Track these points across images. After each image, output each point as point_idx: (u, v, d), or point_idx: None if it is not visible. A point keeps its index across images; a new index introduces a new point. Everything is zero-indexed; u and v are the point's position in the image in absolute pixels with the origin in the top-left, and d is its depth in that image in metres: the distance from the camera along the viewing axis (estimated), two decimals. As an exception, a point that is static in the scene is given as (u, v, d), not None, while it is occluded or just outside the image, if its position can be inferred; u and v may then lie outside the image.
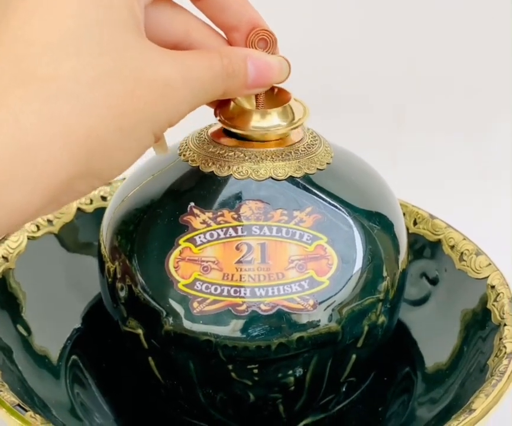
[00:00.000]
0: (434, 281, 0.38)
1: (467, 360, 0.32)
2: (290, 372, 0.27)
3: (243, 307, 0.26)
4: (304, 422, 0.30)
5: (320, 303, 0.27)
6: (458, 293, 0.36)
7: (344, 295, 0.27)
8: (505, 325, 0.31)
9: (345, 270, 0.27)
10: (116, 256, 0.29)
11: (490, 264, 0.35)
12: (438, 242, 0.38)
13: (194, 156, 0.30)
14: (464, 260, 0.36)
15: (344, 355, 0.28)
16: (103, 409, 0.32)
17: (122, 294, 0.28)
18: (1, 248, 0.34)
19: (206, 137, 0.31)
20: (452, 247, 0.37)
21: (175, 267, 0.27)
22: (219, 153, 0.29)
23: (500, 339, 0.31)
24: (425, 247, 0.39)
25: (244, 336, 0.26)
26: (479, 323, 0.33)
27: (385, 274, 0.29)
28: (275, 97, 0.30)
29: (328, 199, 0.29)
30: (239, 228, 0.27)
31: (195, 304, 0.26)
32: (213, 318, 0.26)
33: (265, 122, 0.29)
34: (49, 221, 0.37)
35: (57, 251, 0.36)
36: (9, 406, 0.25)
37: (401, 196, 0.40)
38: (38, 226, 0.36)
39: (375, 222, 0.29)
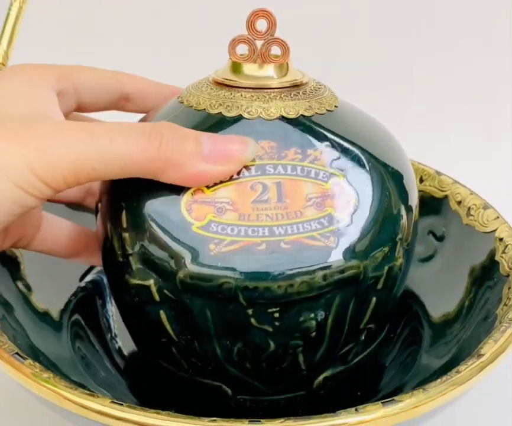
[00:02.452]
0: (441, 238, 0.37)
1: (475, 311, 0.31)
2: (312, 315, 0.26)
3: (263, 246, 0.25)
4: (323, 375, 0.29)
5: (341, 240, 0.26)
6: (465, 248, 0.35)
7: (365, 232, 0.26)
8: (514, 275, 0.30)
9: (364, 207, 0.27)
10: (121, 205, 0.27)
11: (498, 217, 0.35)
12: (445, 199, 0.38)
13: (198, 100, 0.28)
14: (471, 215, 0.36)
15: (365, 297, 0.27)
16: (106, 365, 0.32)
17: (131, 244, 0.27)
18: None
19: (208, 83, 0.29)
20: (459, 203, 0.37)
21: (187, 210, 0.25)
22: (224, 95, 0.28)
23: (509, 288, 0.30)
24: (432, 204, 0.38)
25: (265, 276, 0.25)
26: (487, 276, 0.32)
27: (402, 213, 0.28)
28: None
29: (340, 139, 0.28)
30: (253, 168, 0.26)
31: (211, 246, 0.25)
32: (232, 259, 0.25)
33: (263, 72, 0.29)
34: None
35: (56, 208, 0.35)
36: (7, 355, 0.25)
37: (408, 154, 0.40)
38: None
39: (387, 165, 0.29)
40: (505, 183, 0.52)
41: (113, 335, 0.35)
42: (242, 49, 0.29)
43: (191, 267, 0.25)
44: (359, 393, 0.32)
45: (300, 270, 0.25)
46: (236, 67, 0.29)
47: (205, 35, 0.57)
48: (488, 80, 0.59)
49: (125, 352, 0.34)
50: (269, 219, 0.25)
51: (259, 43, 0.28)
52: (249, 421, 0.22)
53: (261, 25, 0.28)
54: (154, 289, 0.26)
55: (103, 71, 0.32)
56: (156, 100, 0.33)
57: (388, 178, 0.28)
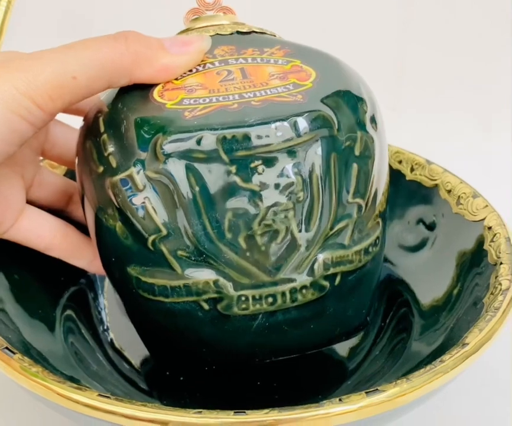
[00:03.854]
0: (431, 227, 0.38)
1: (462, 299, 0.32)
2: (296, 170, 0.26)
3: (235, 106, 0.26)
4: (323, 256, 0.27)
5: (309, 96, 0.27)
6: (455, 237, 0.35)
7: (329, 94, 0.27)
8: (501, 263, 0.31)
9: (325, 78, 0.28)
10: (97, 116, 0.28)
11: (487, 205, 0.35)
12: (435, 187, 0.38)
13: None
14: (461, 204, 0.36)
15: (345, 159, 0.27)
16: (99, 359, 0.32)
17: (109, 142, 0.27)
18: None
19: None
20: (449, 191, 0.37)
21: (160, 96, 0.27)
22: (185, 31, 0.32)
23: (496, 277, 0.30)
24: (422, 193, 0.38)
25: (242, 124, 0.25)
26: (475, 264, 0.33)
27: (361, 90, 0.29)
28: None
29: (293, 45, 0.31)
30: (216, 62, 0.29)
31: (186, 113, 0.26)
32: (208, 117, 0.26)
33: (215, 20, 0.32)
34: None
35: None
36: (-4, 350, 0.25)
37: (400, 145, 0.40)
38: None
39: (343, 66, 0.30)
40: (496, 173, 0.52)
41: (105, 327, 0.35)
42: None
43: (170, 137, 0.26)
44: (349, 382, 0.33)
45: (274, 116, 0.26)
46: (193, 21, 0.32)
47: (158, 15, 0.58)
48: (482, 70, 0.59)
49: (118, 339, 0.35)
50: (237, 89, 0.27)
51: (210, 13, 0.32)
52: (234, 412, 0.23)
53: None
54: (136, 176, 0.26)
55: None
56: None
57: (343, 68, 0.30)
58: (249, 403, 0.25)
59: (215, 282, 0.26)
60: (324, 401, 0.23)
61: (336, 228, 0.27)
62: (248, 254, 0.26)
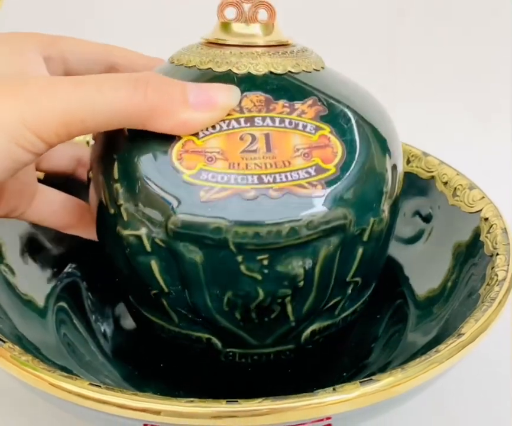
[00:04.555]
0: (427, 219, 0.37)
1: (458, 290, 0.31)
2: (300, 263, 0.26)
3: (252, 193, 0.25)
4: (311, 328, 0.29)
5: (328, 188, 0.26)
6: (451, 229, 0.35)
7: (351, 182, 0.27)
8: (497, 254, 0.31)
9: (350, 158, 0.27)
10: (113, 157, 0.27)
11: (483, 197, 0.35)
12: (431, 179, 0.38)
13: (189, 59, 0.29)
14: (457, 195, 0.36)
15: (352, 247, 0.28)
16: (92, 350, 0.32)
17: (123, 195, 0.27)
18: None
19: (198, 45, 0.30)
20: (445, 183, 0.37)
21: (178, 160, 0.26)
22: (214, 53, 0.29)
23: (492, 268, 0.30)
24: (418, 185, 0.38)
25: (254, 220, 0.25)
26: (471, 255, 0.32)
27: (387, 167, 0.28)
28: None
29: (326, 95, 0.28)
30: (242, 120, 0.27)
31: (201, 193, 0.25)
32: (221, 205, 0.25)
33: (251, 29, 0.30)
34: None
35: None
36: (-15, 340, 0.25)
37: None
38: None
39: (373, 123, 0.29)
40: (493, 164, 0.52)
41: (98, 317, 0.35)
42: (231, 13, 0.29)
43: (182, 214, 0.25)
44: (344, 374, 0.32)
45: (288, 216, 0.25)
46: (225, 27, 0.30)
47: (191, 4, 0.57)
48: (478, 60, 0.59)
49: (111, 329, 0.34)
50: (258, 167, 0.26)
51: (246, 7, 0.29)
52: (227, 401, 0.22)
53: None
54: (145, 239, 0.27)
55: (91, 42, 0.32)
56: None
57: (373, 134, 0.28)
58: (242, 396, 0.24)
59: (208, 339, 0.29)
60: (318, 390, 0.23)
61: (329, 305, 0.29)
62: (241, 324, 0.28)
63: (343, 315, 0.30)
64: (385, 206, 0.28)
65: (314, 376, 0.31)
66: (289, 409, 0.22)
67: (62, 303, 0.34)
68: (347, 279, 0.28)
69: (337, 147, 0.27)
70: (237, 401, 0.22)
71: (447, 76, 0.59)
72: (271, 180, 0.26)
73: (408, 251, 0.37)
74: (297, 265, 0.26)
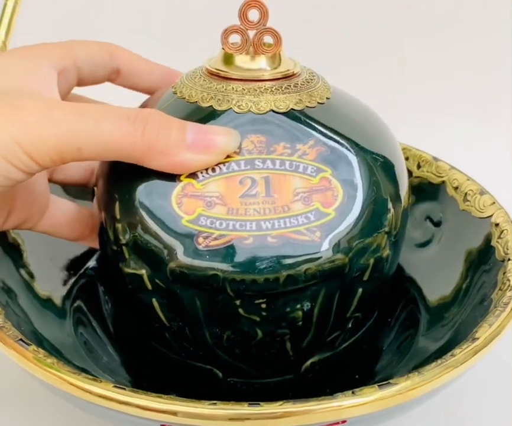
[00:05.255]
0: (438, 223, 0.38)
1: (471, 294, 0.32)
2: (298, 306, 0.27)
3: (250, 240, 0.26)
4: (311, 361, 0.30)
5: (327, 234, 0.26)
6: (462, 234, 0.36)
7: (351, 226, 0.27)
8: (509, 259, 0.31)
9: (350, 201, 0.27)
10: (114, 197, 0.28)
11: (494, 202, 0.35)
12: (442, 184, 0.38)
13: (191, 92, 0.29)
14: (468, 201, 0.36)
15: (351, 288, 0.28)
16: (108, 350, 0.32)
17: (124, 235, 0.27)
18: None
19: (201, 74, 0.30)
20: (456, 188, 0.37)
21: (178, 204, 0.26)
22: (216, 88, 0.29)
23: (504, 273, 0.30)
24: (429, 190, 0.39)
25: (252, 269, 0.25)
26: (483, 260, 0.33)
27: (389, 206, 0.28)
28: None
29: (330, 133, 0.28)
30: (242, 162, 0.27)
31: (200, 239, 0.26)
32: (220, 252, 0.26)
33: (255, 64, 0.29)
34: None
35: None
36: (12, 341, 0.25)
37: (405, 140, 0.40)
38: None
39: (377, 157, 0.29)
40: (502, 168, 0.52)
41: (114, 319, 0.35)
42: (236, 38, 0.29)
43: (181, 259, 0.26)
44: (357, 376, 0.33)
45: (286, 264, 0.26)
46: (228, 58, 0.29)
47: (200, 23, 0.57)
48: (485, 66, 0.60)
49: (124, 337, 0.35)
50: (256, 213, 0.26)
51: (251, 33, 0.29)
52: (249, 404, 0.23)
53: (253, 15, 0.28)
54: (146, 278, 0.27)
55: (98, 44, 0.32)
56: (147, 78, 0.33)
57: (377, 169, 0.28)
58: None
59: (209, 370, 0.29)
60: (338, 393, 0.23)
61: (328, 339, 0.29)
62: (241, 357, 0.28)
63: (344, 345, 0.30)
64: (387, 244, 0.28)
65: (330, 379, 0.31)
66: (309, 411, 0.23)
67: (79, 303, 0.34)
68: (348, 315, 0.29)
69: (338, 189, 0.27)
70: (259, 404, 0.23)
71: (456, 80, 0.59)
72: (270, 226, 0.26)
73: (419, 255, 0.37)
74: (295, 308, 0.27)
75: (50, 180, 0.33)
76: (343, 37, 0.60)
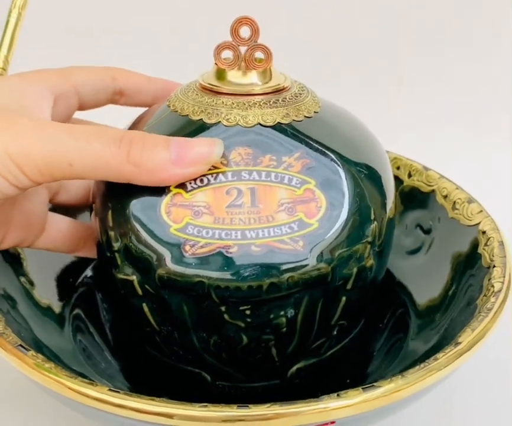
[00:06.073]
0: (428, 231, 0.39)
1: (457, 300, 0.33)
2: (282, 313, 0.28)
3: (235, 249, 0.27)
4: (296, 366, 0.31)
5: (310, 243, 0.27)
6: (450, 241, 0.36)
7: (333, 236, 0.28)
8: (494, 266, 0.32)
9: (333, 212, 0.28)
10: (108, 206, 0.29)
11: (481, 210, 0.36)
12: (432, 193, 0.39)
13: (183, 106, 0.30)
14: (457, 209, 0.37)
15: (335, 296, 0.29)
16: (106, 356, 0.33)
17: (116, 243, 0.29)
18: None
19: (194, 88, 0.31)
20: (445, 197, 0.38)
21: (167, 213, 0.27)
22: (207, 102, 0.30)
23: (489, 279, 0.31)
24: (419, 198, 0.40)
25: (236, 276, 0.27)
26: (469, 266, 0.34)
27: (372, 217, 0.29)
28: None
29: (315, 145, 0.29)
30: (229, 174, 0.28)
31: (187, 247, 0.27)
32: (205, 260, 0.27)
33: (246, 79, 0.30)
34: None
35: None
36: (11, 347, 0.26)
37: (399, 150, 0.41)
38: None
39: (362, 169, 0.30)
40: (491, 178, 0.54)
41: (112, 326, 0.36)
42: (228, 54, 0.30)
43: (169, 266, 0.27)
44: (348, 381, 0.34)
45: (269, 272, 0.27)
46: (220, 73, 0.31)
47: (194, 40, 0.59)
48: (478, 79, 0.61)
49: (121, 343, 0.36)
50: (242, 222, 0.27)
51: (243, 49, 0.30)
52: (238, 406, 0.24)
53: (245, 32, 0.29)
54: (136, 284, 0.28)
55: (98, 68, 0.33)
56: (148, 93, 0.34)
57: (362, 181, 0.29)
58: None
59: (198, 374, 0.31)
60: (324, 396, 0.24)
61: (313, 346, 0.30)
62: (228, 362, 0.30)
63: (330, 352, 0.31)
64: (371, 254, 0.29)
65: (316, 384, 0.32)
66: (296, 413, 0.24)
67: (78, 311, 0.35)
68: (332, 323, 0.30)
69: (322, 201, 0.28)
70: (247, 406, 0.24)
71: (448, 93, 0.61)
72: (254, 235, 0.27)
73: (409, 262, 0.38)
74: (279, 315, 0.28)
75: (53, 202, 0.34)
76: (343, 48, 0.61)
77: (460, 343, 0.27)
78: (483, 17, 0.60)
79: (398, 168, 0.41)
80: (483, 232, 0.34)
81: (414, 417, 0.37)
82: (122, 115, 0.35)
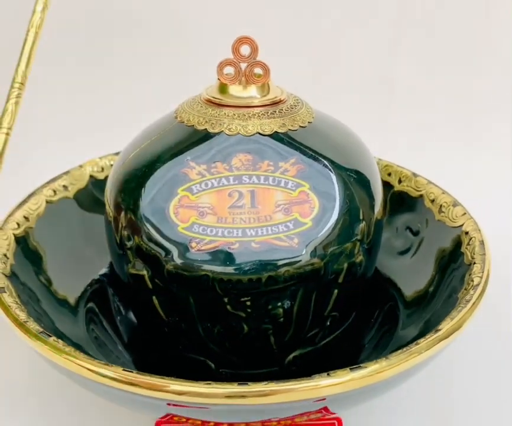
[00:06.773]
0: (416, 233, 0.41)
1: (440, 293, 0.35)
2: (279, 304, 0.31)
3: (236, 246, 0.30)
4: (293, 354, 0.34)
5: (304, 241, 0.30)
6: (436, 241, 0.39)
7: (326, 234, 0.31)
8: (474, 263, 0.35)
9: (326, 212, 0.31)
10: (121, 208, 0.32)
11: (465, 213, 0.39)
12: (420, 197, 0.42)
13: (189, 117, 0.33)
14: (443, 212, 0.40)
15: (327, 289, 0.32)
16: (116, 346, 0.36)
17: (128, 241, 0.32)
18: (22, 210, 0.38)
19: (199, 101, 0.35)
20: (432, 201, 0.41)
21: (175, 213, 0.30)
22: (211, 113, 0.33)
23: (469, 275, 0.34)
24: (409, 203, 0.42)
25: (237, 270, 0.30)
26: (453, 262, 0.36)
27: (361, 217, 0.32)
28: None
29: (309, 152, 0.32)
30: (231, 178, 0.31)
31: (193, 244, 0.30)
32: (210, 256, 0.30)
33: (246, 92, 0.34)
34: (65, 187, 0.41)
35: (73, 211, 0.40)
36: (35, 333, 0.29)
37: (390, 158, 0.44)
38: (54, 191, 0.41)
39: (352, 174, 0.33)
40: (474, 182, 0.57)
41: (122, 318, 0.39)
42: (230, 70, 0.34)
43: (177, 261, 0.30)
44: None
45: (267, 266, 0.30)
46: (223, 87, 0.34)
47: (199, 57, 0.61)
48: (470, 88, 0.63)
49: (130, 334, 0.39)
50: (242, 222, 0.30)
51: (243, 65, 0.33)
52: (238, 383, 0.27)
53: (245, 50, 0.33)
54: (147, 278, 0.32)
55: None
56: None
57: (351, 184, 0.32)
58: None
59: (202, 361, 0.33)
60: (315, 375, 0.27)
61: (308, 335, 0.33)
62: (230, 350, 0.32)
63: (324, 341, 0.34)
64: (360, 251, 0.32)
65: (311, 371, 0.35)
66: (290, 390, 0.26)
67: (92, 305, 0.38)
68: (325, 314, 0.33)
69: (315, 202, 0.31)
70: (247, 383, 0.27)
71: (438, 102, 0.63)
72: (254, 233, 0.30)
73: (399, 261, 0.41)
74: (276, 306, 0.31)
75: None
76: (336, 55, 0.64)
77: (439, 330, 0.30)
78: (473, 24, 0.63)
79: (389, 174, 0.44)
80: (466, 233, 0.37)
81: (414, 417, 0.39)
82: (131, 129, 0.38)
